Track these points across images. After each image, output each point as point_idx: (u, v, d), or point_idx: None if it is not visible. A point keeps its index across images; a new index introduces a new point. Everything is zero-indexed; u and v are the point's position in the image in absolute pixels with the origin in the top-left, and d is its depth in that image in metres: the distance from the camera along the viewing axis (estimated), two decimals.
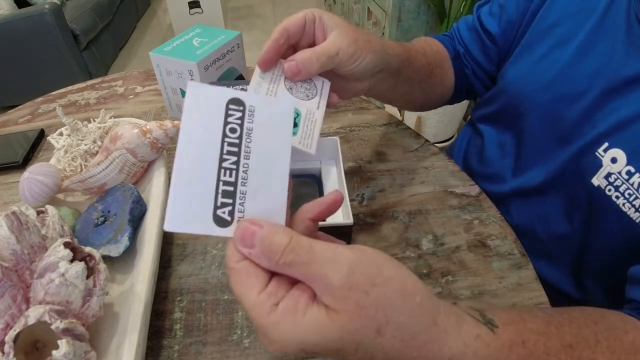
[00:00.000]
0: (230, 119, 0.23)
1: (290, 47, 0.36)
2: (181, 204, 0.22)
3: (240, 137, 0.23)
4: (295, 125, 0.31)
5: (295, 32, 0.35)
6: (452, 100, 0.61)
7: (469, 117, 0.63)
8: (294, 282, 0.23)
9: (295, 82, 0.34)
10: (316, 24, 0.36)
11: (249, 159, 0.23)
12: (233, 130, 0.23)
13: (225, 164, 0.23)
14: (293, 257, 0.21)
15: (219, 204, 0.22)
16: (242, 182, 0.23)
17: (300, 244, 0.22)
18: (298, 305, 0.21)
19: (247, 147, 0.23)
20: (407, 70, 0.46)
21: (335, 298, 0.21)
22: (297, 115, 0.33)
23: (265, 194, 0.23)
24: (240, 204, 0.23)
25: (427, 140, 0.60)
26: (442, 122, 1.58)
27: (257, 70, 0.33)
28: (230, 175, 0.23)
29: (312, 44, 0.37)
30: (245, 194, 0.23)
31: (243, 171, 0.23)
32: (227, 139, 0.23)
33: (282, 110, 0.24)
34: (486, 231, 0.47)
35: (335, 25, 0.36)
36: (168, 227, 0.21)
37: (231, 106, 0.23)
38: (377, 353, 0.22)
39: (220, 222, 0.22)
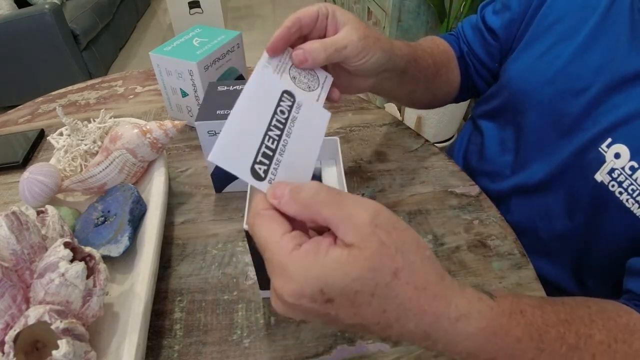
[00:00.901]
0: (282, 104, 0.29)
1: (301, 38, 0.36)
2: (229, 143, 0.25)
3: (286, 119, 0.28)
4: None
5: (308, 23, 0.35)
6: (457, 99, 0.61)
7: (470, 115, 0.63)
8: (313, 234, 0.24)
9: (300, 72, 0.35)
10: (329, 19, 0.36)
11: (289, 137, 0.28)
12: (282, 112, 0.28)
13: (270, 133, 0.27)
14: (323, 197, 0.23)
15: (258, 160, 0.26)
16: (280, 152, 0.27)
17: (329, 188, 0.24)
18: (320, 245, 0.22)
19: (290, 129, 0.28)
20: (412, 69, 0.47)
21: (361, 235, 0.22)
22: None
23: (296, 169, 0.27)
24: (274, 168, 0.26)
25: (427, 140, 0.60)
26: (442, 122, 1.58)
27: (265, 55, 0.34)
28: (272, 143, 0.27)
29: (323, 38, 0.37)
30: (280, 162, 0.27)
31: (282, 145, 0.27)
32: (276, 116, 0.28)
33: (322, 115, 0.31)
34: (486, 231, 0.47)
35: (347, 21, 0.36)
36: (212, 158, 0.24)
37: (285, 95, 0.29)
38: (391, 301, 0.22)
39: (255, 174, 0.25)
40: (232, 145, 0.25)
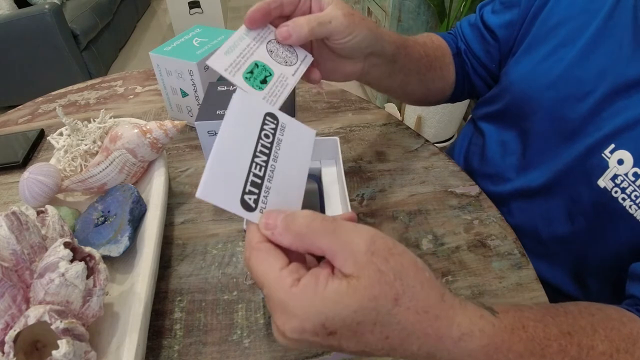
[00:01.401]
0: (265, 127, 0.28)
1: (283, 17, 0.36)
2: (215, 178, 0.24)
3: (271, 143, 0.28)
4: (265, 82, 0.32)
5: (290, 2, 0.35)
6: (452, 98, 0.60)
7: (470, 116, 0.63)
8: (310, 267, 0.24)
9: (278, 47, 0.35)
10: (313, 0, 0.36)
11: (276, 162, 0.27)
12: (267, 136, 0.28)
13: (257, 160, 0.27)
14: (318, 226, 0.23)
15: (247, 190, 0.25)
16: (268, 178, 0.27)
17: (323, 217, 0.23)
18: (319, 278, 0.22)
19: (276, 153, 0.28)
20: (403, 58, 0.46)
21: (358, 264, 0.22)
22: (270, 74, 0.33)
23: (286, 194, 0.27)
24: (264, 196, 0.26)
25: (427, 140, 0.60)
26: (442, 122, 1.58)
27: (243, 27, 0.34)
28: (260, 170, 0.26)
29: None
30: (269, 189, 0.26)
31: (270, 170, 0.27)
32: (261, 141, 0.27)
33: (308, 134, 0.30)
34: (486, 231, 0.46)
35: (332, 1, 0.36)
36: (200, 195, 0.24)
37: (268, 118, 0.29)
38: (393, 328, 0.22)
39: (245, 206, 0.25)
40: (219, 179, 0.24)
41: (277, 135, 0.28)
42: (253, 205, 0.25)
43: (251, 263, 0.24)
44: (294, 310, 0.22)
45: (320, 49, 0.39)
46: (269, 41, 0.35)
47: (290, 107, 0.47)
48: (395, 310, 0.22)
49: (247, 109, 0.28)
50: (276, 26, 0.35)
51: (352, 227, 0.23)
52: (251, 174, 0.26)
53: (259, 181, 0.26)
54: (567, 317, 0.29)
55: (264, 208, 0.26)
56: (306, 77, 0.38)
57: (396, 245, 0.24)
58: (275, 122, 0.29)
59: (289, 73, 0.34)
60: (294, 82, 0.35)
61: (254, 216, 0.25)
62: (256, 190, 0.26)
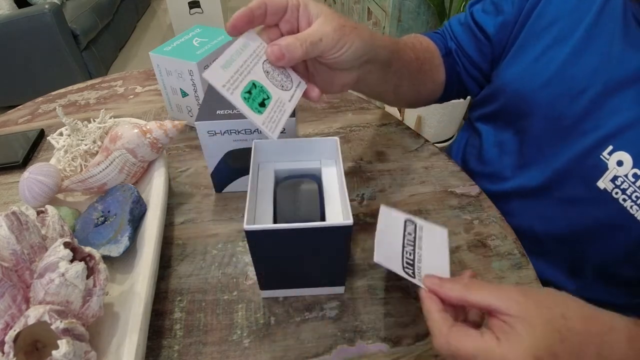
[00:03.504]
0: (407, 227, 0.36)
1: (270, 28, 0.35)
2: (383, 253, 0.33)
3: (414, 238, 0.36)
4: (264, 106, 0.33)
5: (275, 11, 0.34)
6: (442, 99, 0.60)
7: (467, 119, 0.63)
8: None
9: (273, 68, 0.34)
10: (300, 11, 0.35)
11: (421, 249, 0.35)
12: (409, 234, 0.36)
13: (406, 248, 0.35)
14: (477, 284, 0.29)
15: (404, 265, 0.33)
16: (417, 260, 0.34)
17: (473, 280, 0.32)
18: (504, 327, 0.27)
19: (420, 246, 0.35)
20: (396, 62, 0.46)
21: (522, 305, 0.27)
22: (268, 97, 0.33)
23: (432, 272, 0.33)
24: (417, 272, 0.33)
25: (427, 140, 0.60)
26: (442, 122, 1.58)
27: (239, 40, 0.33)
28: (410, 255, 0.34)
29: (296, 32, 0.36)
30: (420, 269, 0.33)
31: (418, 254, 0.35)
32: (406, 237, 0.36)
33: (442, 235, 0.37)
34: (486, 231, 0.46)
35: (320, 13, 0.35)
36: (377, 259, 0.32)
37: (407, 222, 0.37)
38: (574, 338, 0.26)
39: (406, 274, 0.32)
40: (385, 254, 0.33)
41: (417, 232, 0.36)
42: (412, 275, 0.32)
43: (455, 345, 0.27)
44: (515, 357, 0.25)
45: (314, 64, 0.38)
46: (265, 61, 0.34)
47: None
48: (568, 323, 0.27)
49: (392, 219, 0.37)
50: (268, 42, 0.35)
51: (494, 282, 0.29)
52: (404, 257, 0.34)
53: (411, 261, 0.34)
54: None
55: (420, 278, 0.32)
56: (306, 95, 0.37)
57: (532, 288, 0.31)
58: (414, 224, 0.37)
59: (285, 98, 0.34)
60: (291, 108, 0.35)
61: (416, 281, 0.32)
62: (410, 267, 0.33)
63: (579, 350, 0.26)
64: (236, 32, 0.33)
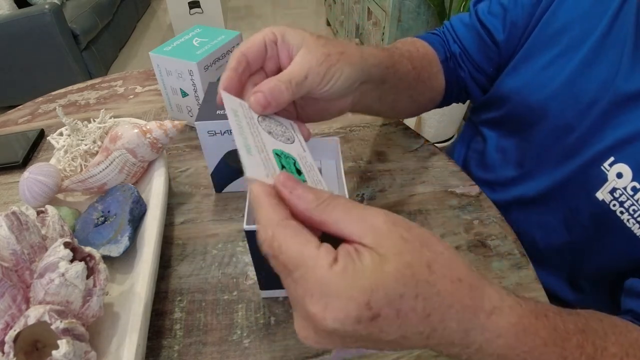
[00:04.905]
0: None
1: (259, 72, 0.33)
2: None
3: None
4: (300, 173, 0.28)
5: (256, 57, 0.31)
6: (442, 105, 0.57)
7: (469, 119, 0.62)
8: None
9: (269, 124, 0.30)
10: (279, 44, 0.32)
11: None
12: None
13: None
14: (337, 202, 0.22)
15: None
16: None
17: (339, 196, 0.23)
18: (351, 254, 0.20)
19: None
20: (392, 77, 0.42)
21: (382, 234, 0.21)
22: (294, 159, 0.29)
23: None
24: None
25: (427, 140, 0.60)
26: (442, 122, 1.58)
27: (230, 113, 0.28)
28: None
29: (279, 68, 0.33)
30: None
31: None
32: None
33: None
34: (486, 231, 0.47)
35: (301, 43, 0.31)
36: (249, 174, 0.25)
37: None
38: (434, 300, 0.20)
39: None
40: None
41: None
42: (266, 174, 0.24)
43: (278, 242, 0.21)
44: (337, 291, 0.19)
45: (305, 98, 0.33)
46: (257, 119, 0.30)
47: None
48: (432, 278, 0.20)
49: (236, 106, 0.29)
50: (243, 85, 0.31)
51: (362, 205, 0.22)
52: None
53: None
54: (579, 317, 0.28)
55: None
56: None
57: (410, 221, 0.22)
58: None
59: (300, 151, 0.31)
60: (311, 157, 0.31)
61: (267, 179, 0.24)
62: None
63: (435, 318, 0.20)
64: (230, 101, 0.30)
